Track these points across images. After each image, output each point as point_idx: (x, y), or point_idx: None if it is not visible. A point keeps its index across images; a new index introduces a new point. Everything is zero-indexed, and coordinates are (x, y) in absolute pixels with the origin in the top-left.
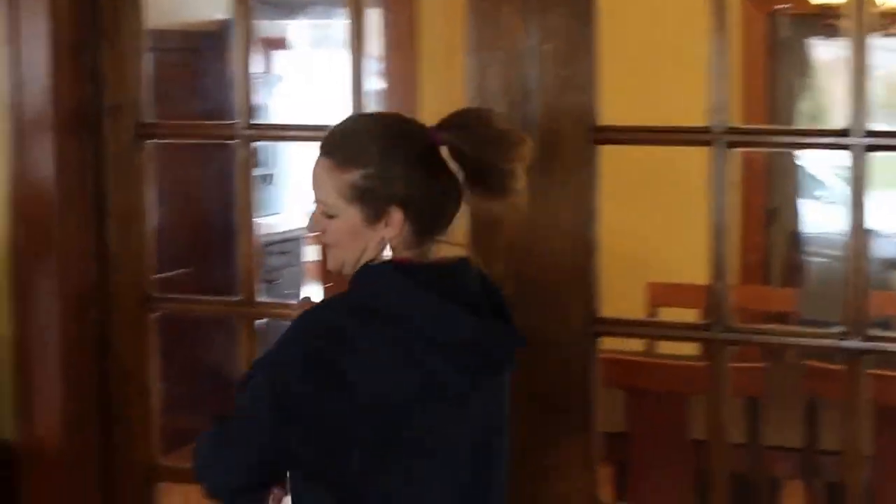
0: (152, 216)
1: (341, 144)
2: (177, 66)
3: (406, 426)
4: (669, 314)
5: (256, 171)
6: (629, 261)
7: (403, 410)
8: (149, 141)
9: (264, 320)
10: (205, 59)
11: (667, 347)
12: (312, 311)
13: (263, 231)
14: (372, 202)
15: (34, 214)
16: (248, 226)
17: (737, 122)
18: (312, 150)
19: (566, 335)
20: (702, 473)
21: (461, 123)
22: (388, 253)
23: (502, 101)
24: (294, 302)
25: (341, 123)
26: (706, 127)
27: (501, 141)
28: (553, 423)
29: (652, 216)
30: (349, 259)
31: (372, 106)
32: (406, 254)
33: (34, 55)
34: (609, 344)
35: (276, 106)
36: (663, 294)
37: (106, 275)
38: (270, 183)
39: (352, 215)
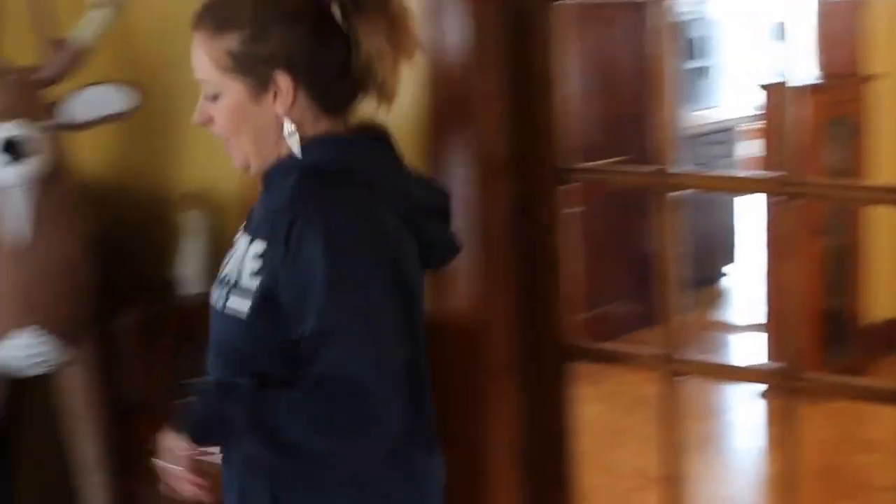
0: (569, 84)
1: (213, 10)
2: None
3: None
4: None
5: (692, 64)
6: None
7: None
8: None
9: (679, 193)
10: None
11: None
12: (316, 219)
13: (697, 123)
14: (252, 69)
15: (450, 81)
16: (663, 88)
17: None
18: (748, 38)
19: None
20: None
21: None
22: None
23: None
24: None
25: None
26: None
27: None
28: None
29: None
30: (249, 150)
31: None
32: (328, 125)
33: None
34: None
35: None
36: None
37: (522, 144)
38: (706, 76)
39: (235, 90)
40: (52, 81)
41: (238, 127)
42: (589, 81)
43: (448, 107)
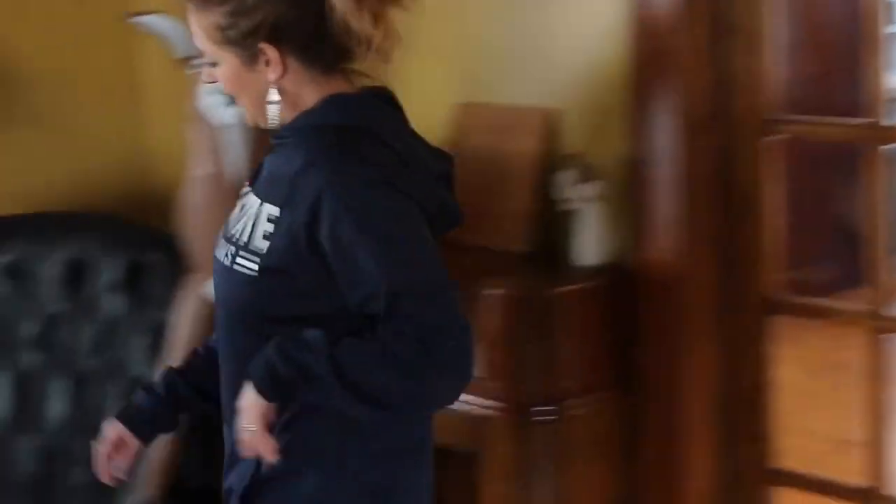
0: (774, 36)
1: None
2: None
3: None
4: None
5: (891, 29)
6: None
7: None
8: None
9: (892, 146)
10: None
11: None
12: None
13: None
14: (240, 42)
15: (655, 33)
16: (877, 42)
17: None
18: None
19: None
20: None
21: None
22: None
23: None
24: None
25: None
26: None
27: None
28: None
29: None
30: (256, 111)
31: None
32: (332, 86)
33: None
34: None
35: None
36: None
37: (725, 95)
38: None
39: (229, 60)
40: None
41: (238, 91)
42: (795, 36)
43: (653, 59)
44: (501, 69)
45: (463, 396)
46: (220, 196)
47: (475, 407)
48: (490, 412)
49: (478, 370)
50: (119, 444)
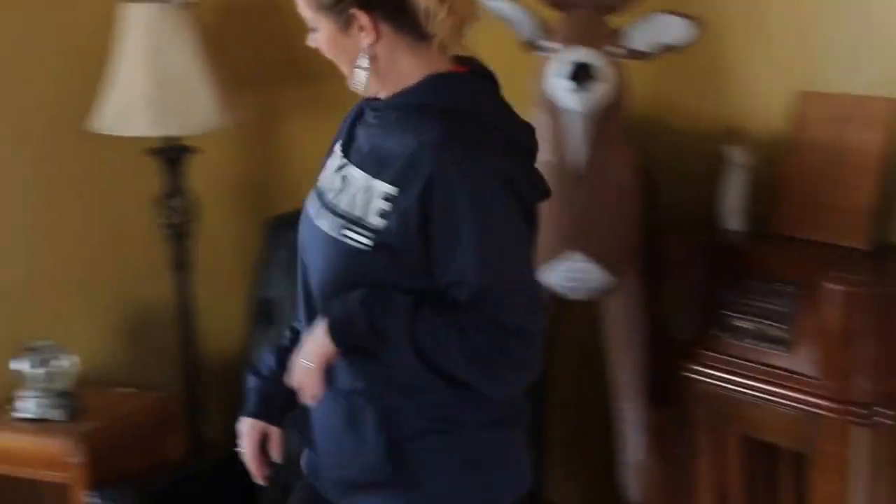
0: None
1: None
2: None
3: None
4: None
5: None
6: None
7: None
8: None
9: None
10: None
11: None
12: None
13: None
14: (333, 7)
15: None
16: None
17: None
18: None
19: None
20: None
21: None
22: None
23: None
24: None
25: None
26: None
27: None
28: None
29: None
30: (350, 73)
31: None
32: (437, 62)
33: None
34: None
35: None
36: None
37: None
38: None
39: (326, 26)
40: (617, 8)
41: (337, 57)
42: None
43: None
44: (846, 58)
45: (795, 395)
46: (559, 185)
47: (807, 407)
48: (822, 412)
49: (811, 369)
50: (263, 439)
